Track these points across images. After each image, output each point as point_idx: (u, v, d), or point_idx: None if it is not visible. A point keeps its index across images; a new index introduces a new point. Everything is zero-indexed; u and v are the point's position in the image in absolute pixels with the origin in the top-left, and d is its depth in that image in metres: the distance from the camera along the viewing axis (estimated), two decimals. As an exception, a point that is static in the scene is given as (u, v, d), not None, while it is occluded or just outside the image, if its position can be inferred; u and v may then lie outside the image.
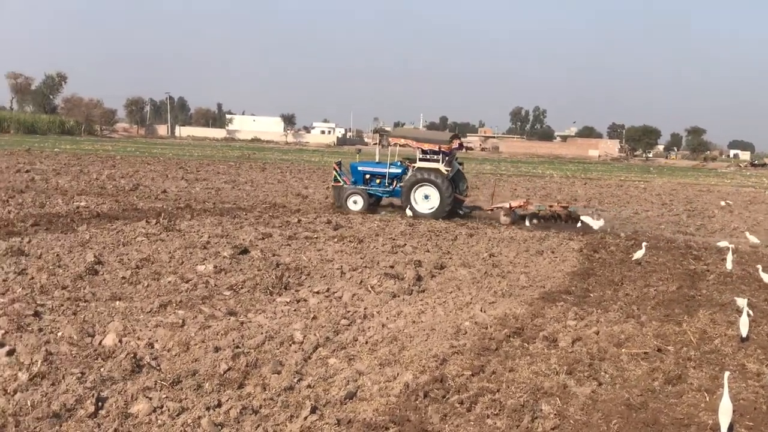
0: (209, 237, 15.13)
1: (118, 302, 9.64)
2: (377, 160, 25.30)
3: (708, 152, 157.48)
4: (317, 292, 10.93)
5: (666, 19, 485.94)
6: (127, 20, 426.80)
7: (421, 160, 23.18)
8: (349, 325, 9.29)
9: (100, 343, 7.88)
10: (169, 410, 6.24)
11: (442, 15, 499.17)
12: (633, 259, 15.36)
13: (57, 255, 12.30)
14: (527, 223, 21.91)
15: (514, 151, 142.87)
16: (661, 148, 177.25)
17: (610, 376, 7.88)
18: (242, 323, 8.97)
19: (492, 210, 23.50)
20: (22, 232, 14.57)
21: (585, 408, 6.89)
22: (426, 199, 22.64)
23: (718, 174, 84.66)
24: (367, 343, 8.59)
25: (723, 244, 17.84)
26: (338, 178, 24.07)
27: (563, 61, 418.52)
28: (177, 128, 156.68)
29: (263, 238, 15.58)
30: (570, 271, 14.13)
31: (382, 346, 8.44)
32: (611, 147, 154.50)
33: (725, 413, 6.30)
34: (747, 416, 6.89)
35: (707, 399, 7.30)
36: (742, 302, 10.40)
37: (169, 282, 11.01)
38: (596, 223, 20.75)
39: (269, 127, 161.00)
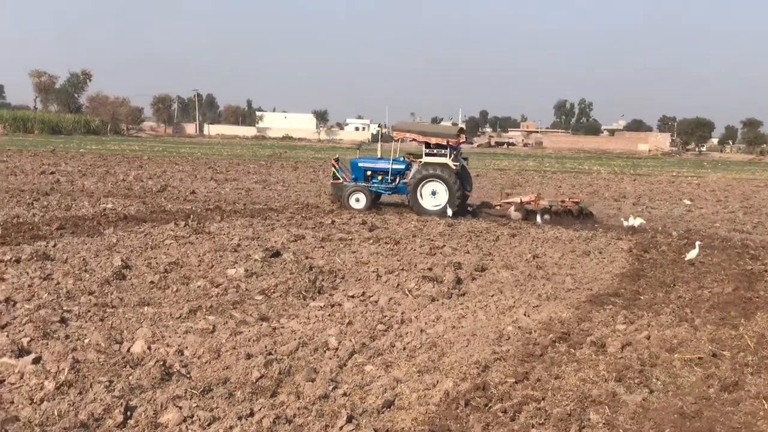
0: (240, 239, 15.24)
1: (146, 308, 9.75)
2: (379, 156, 25.15)
3: (765, 145, 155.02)
4: (352, 296, 10.96)
5: (720, 2, 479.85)
6: (153, 16, 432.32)
7: (427, 155, 22.99)
8: (385, 330, 9.30)
9: (128, 350, 7.96)
10: (199, 420, 6.29)
11: (483, 7, 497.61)
12: (686, 259, 15.21)
13: (83, 259, 12.47)
14: (538, 219, 21.81)
15: (558, 147, 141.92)
16: (715, 141, 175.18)
17: (662, 383, 7.80)
18: (275, 329, 9.02)
19: (501, 206, 23.36)
20: (47, 235, 14.76)
21: (635, 417, 6.83)
22: (433, 196, 22.52)
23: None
24: (404, 349, 8.59)
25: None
26: (337, 174, 23.95)
27: (610, 51, 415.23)
28: (205, 127, 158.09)
29: (296, 240, 15.65)
30: (619, 272, 14.01)
31: (420, 353, 8.44)
32: (662, 141, 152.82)
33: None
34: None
35: (766, 407, 7.19)
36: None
37: (199, 286, 11.11)
38: (636, 221, 20.82)
39: (301, 125, 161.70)
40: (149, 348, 8.04)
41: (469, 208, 23.37)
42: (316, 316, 9.78)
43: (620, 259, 15.61)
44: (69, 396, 6.56)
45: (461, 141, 23.44)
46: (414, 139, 23.49)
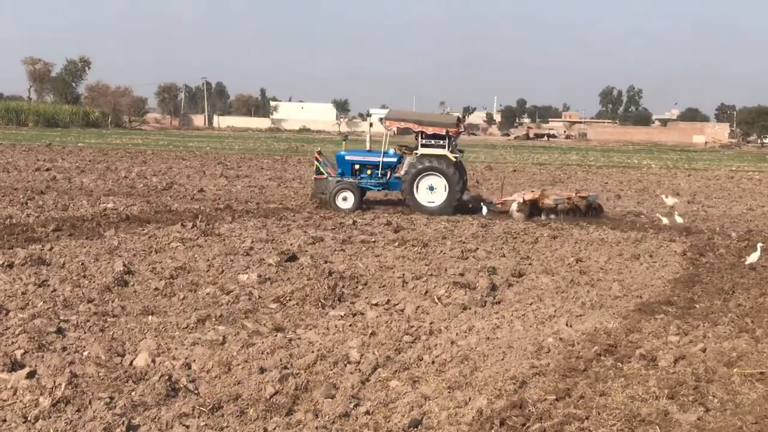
0: (252, 242, 15.30)
1: (150, 317, 9.80)
2: (368, 148, 25.10)
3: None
4: (376, 305, 10.98)
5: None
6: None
7: (423, 146, 22.85)
8: (412, 342, 9.30)
9: (130, 364, 8.01)
10: (208, 440, 6.33)
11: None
12: (746, 263, 15.11)
13: (82, 264, 12.57)
14: (543, 218, 21.74)
15: (604, 138, 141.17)
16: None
17: (719, 400, 7.74)
18: (290, 340, 9.04)
19: (502, 203, 23.23)
20: (42, 238, 14.89)
21: (690, 439, 6.80)
22: (430, 191, 22.45)
23: None
24: (433, 363, 8.59)
25: None
26: (321, 169, 23.56)
27: (660, 33, 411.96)
28: (215, 118, 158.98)
29: (313, 243, 15.70)
30: (671, 278, 13.93)
31: (451, 367, 8.44)
32: (720, 132, 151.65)
33: None
34: None
35: (836, 428, 7.14)
36: None
37: (208, 294, 11.17)
38: (670, 200, 21.05)
39: (320, 115, 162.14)
40: (153, 361, 8.09)
41: (470, 205, 23.25)
42: (336, 327, 9.79)
43: (673, 263, 15.51)
44: (66, 414, 6.61)
45: (460, 131, 23.46)
46: (408, 128, 23.48)
